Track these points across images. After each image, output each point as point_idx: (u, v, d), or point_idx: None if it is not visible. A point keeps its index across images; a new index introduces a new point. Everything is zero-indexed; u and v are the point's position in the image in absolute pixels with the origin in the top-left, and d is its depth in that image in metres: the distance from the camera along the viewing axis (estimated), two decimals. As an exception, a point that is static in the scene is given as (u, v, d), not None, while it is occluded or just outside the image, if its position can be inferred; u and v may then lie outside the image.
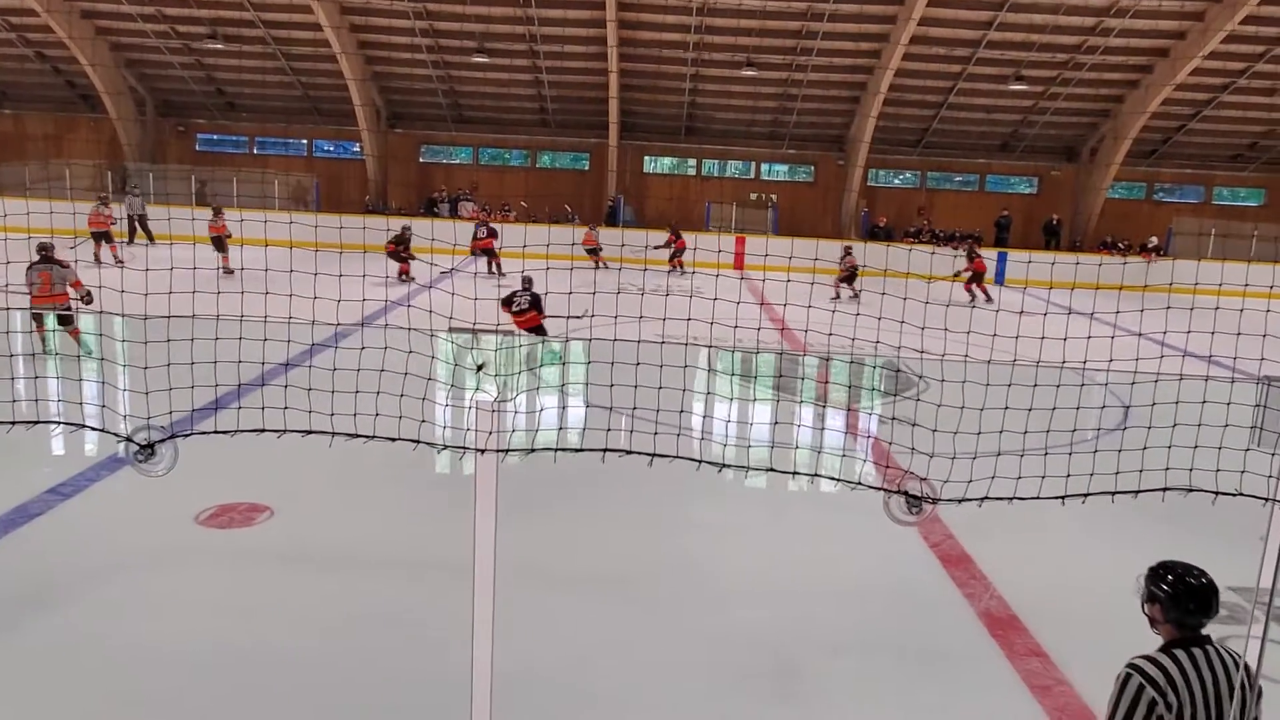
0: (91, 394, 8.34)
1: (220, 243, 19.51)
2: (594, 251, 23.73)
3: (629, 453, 3.90)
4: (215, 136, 30.65)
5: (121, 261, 19.67)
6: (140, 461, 2.98)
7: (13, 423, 4.10)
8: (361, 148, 29.37)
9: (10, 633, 5.29)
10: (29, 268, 10.69)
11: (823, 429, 10.40)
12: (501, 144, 30.80)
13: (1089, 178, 28.95)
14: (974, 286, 20.91)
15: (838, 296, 18.37)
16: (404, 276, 19.10)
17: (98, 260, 19.91)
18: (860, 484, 4.02)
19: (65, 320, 11.16)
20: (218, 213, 20.24)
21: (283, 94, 29.07)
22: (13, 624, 5.37)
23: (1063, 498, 4.04)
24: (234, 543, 6.63)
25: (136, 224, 23.64)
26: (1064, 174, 29.99)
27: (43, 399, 5.54)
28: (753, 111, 28.63)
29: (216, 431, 3.78)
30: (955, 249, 22.72)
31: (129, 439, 3.04)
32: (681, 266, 23.17)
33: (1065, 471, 4.42)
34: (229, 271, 17.95)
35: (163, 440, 2.99)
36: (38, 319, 11.21)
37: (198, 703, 4.74)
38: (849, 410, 11.22)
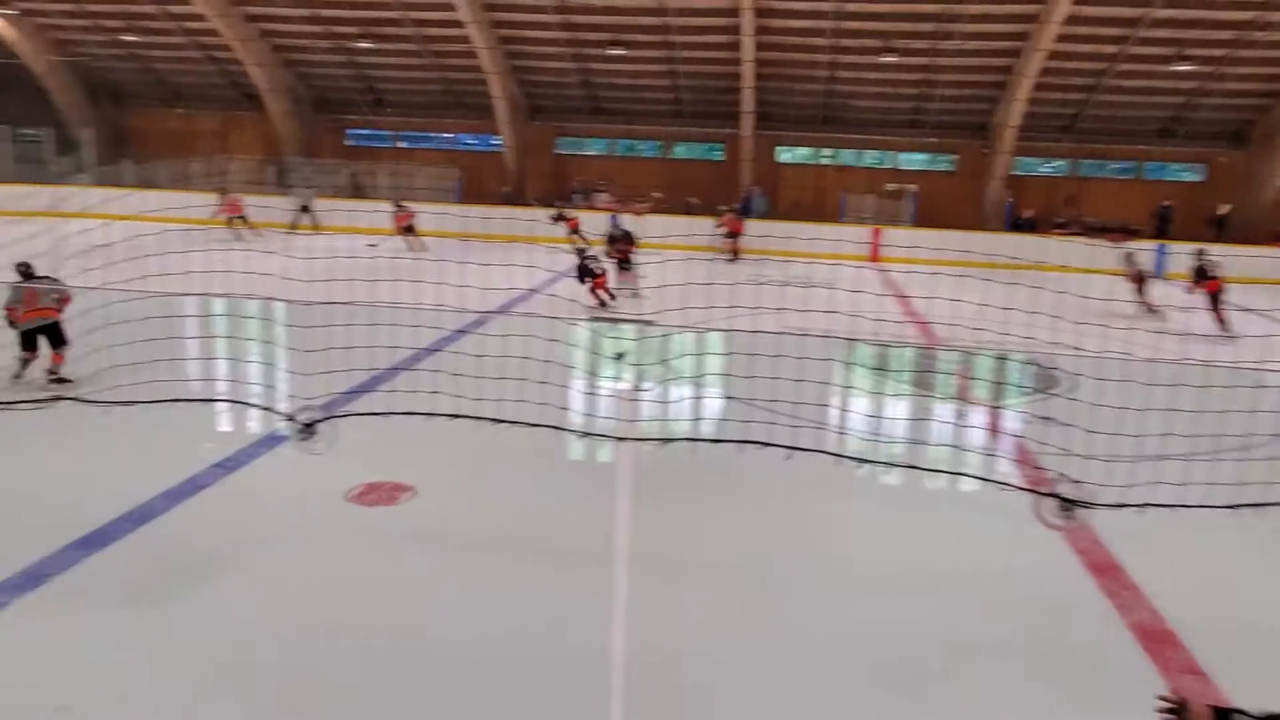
0: (258, 375, 8.88)
1: (411, 229, 22.37)
2: (733, 236, 23.36)
3: (766, 445, 3.87)
4: (364, 131, 32.06)
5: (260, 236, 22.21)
6: (302, 440, 3.15)
7: (189, 400, 4.39)
8: (501, 140, 30.14)
9: (180, 596, 5.71)
10: (14, 286, 9.81)
11: (965, 426, 10.06)
12: (635, 135, 31.02)
13: (1260, 164, 26.84)
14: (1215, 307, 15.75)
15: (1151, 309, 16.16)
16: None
17: (240, 236, 22.23)
18: (1011, 485, 3.86)
19: (57, 340, 9.59)
20: (400, 205, 22.95)
21: (427, 89, 30.16)
22: (183, 587, 5.80)
23: (1234, 507, 3.78)
24: (379, 520, 6.93)
25: (302, 214, 25.07)
26: (1232, 161, 27.89)
27: (213, 379, 5.91)
28: (891, 99, 27.85)
29: (369, 413, 3.95)
30: (1113, 242, 21.15)
31: (291, 418, 3.21)
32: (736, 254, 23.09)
33: (1235, 479, 4.13)
34: (423, 250, 20.88)
35: (322, 420, 3.15)
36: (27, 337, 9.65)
37: (340, 674, 5.00)
38: (993, 408, 10.80)
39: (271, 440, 8.20)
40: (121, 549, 6.27)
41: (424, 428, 3.95)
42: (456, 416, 3.58)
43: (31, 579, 5.75)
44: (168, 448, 7.90)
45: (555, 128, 30.89)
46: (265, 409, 3.69)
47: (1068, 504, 3.43)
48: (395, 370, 4.95)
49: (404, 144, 31.84)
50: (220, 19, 26.56)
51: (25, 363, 9.50)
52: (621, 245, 17.33)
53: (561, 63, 27.98)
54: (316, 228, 24.80)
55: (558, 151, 31.27)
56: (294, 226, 24.45)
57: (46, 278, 9.90)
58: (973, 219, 27.60)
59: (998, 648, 5.49)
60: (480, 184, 30.17)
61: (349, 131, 32.00)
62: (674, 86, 28.58)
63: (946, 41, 24.63)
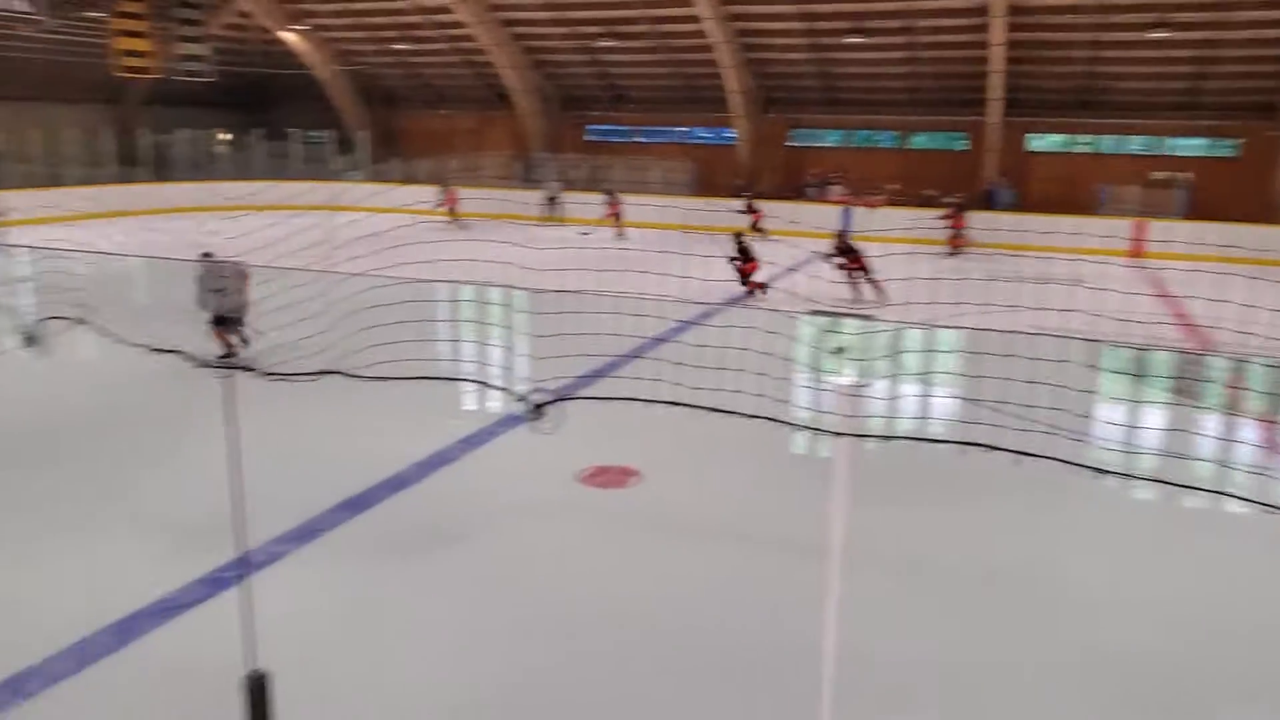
0: (497, 358, 9.52)
1: (618, 218, 24.21)
2: (956, 231, 22.29)
3: (993, 449, 3.73)
4: (604, 127, 33.27)
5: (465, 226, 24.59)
6: (532, 420, 3.35)
7: (434, 379, 4.79)
8: (735, 133, 30.31)
9: (428, 558, 6.28)
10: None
11: (1233, 441, 9.08)
12: (872, 125, 30.19)
13: None
14: None
15: None
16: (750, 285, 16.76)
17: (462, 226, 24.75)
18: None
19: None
20: (611, 194, 24.60)
21: (664, 85, 30.87)
22: (430, 551, 6.37)
23: None
24: (607, 502, 7.26)
25: (550, 205, 26.53)
26: None
27: (457, 360, 6.39)
28: (1161, 79, 25.37)
29: (594, 397, 4.14)
30: None
31: (523, 399, 3.42)
32: (764, 233, 22.65)
33: None
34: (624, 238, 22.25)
35: (551, 402, 3.34)
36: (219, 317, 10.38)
37: (562, 645, 5.30)
38: (1270, 422, 9.67)
39: (511, 420, 8.78)
40: (380, 512, 6.97)
41: (651, 415, 4.11)
42: (678, 405, 3.71)
43: (307, 533, 6.53)
44: (420, 422, 8.65)
45: (789, 119, 30.65)
46: (501, 389, 3.98)
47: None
48: (626, 358, 5.16)
49: (641, 139, 32.74)
50: (478, 25, 28.50)
51: (230, 344, 10.14)
52: (848, 259, 15.72)
53: (797, 54, 27.72)
54: (562, 219, 26.08)
55: (791, 144, 31.02)
56: (545, 218, 25.87)
57: (227, 262, 10.92)
58: (1259, 210, 24.63)
59: (1273, 695, 4.97)
60: (713, 177, 30.48)
61: (589, 128, 33.32)
62: (914, 74, 27.55)
63: (1230, 13, 22.11)
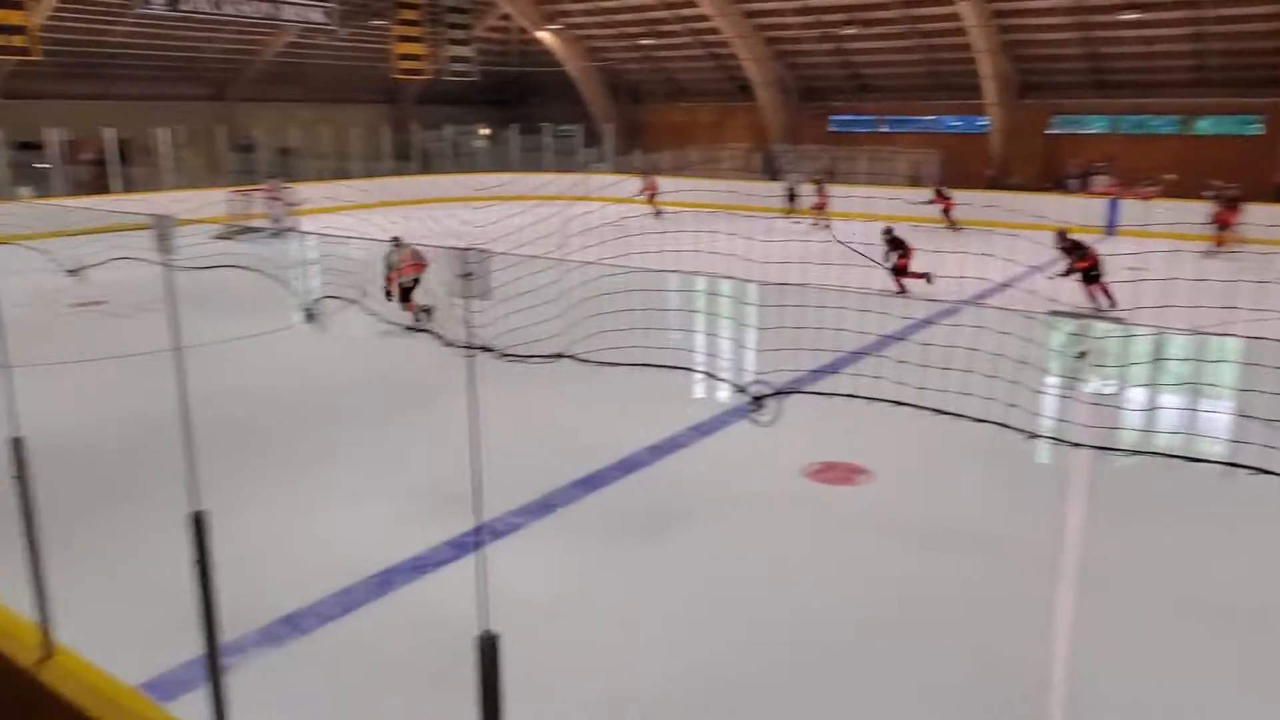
0: (722, 348, 9.59)
1: (822, 208, 23.81)
2: (1223, 227, 19.71)
3: (1262, 472, 3.31)
4: (847, 117, 32.53)
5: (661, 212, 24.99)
6: (751, 411, 3.34)
7: (658, 366, 4.91)
8: (988, 121, 28.69)
9: (656, 539, 6.45)
10: (390, 254, 12.56)
11: None
12: (1146, 109, 27.52)
13: None
14: None
15: None
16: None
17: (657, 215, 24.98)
18: None
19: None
20: (819, 184, 24.52)
21: (911, 72, 29.72)
22: (658, 532, 6.54)
23: None
24: (832, 498, 7.15)
25: (789, 198, 26.42)
26: None
27: (685, 350, 6.47)
28: None
29: (814, 392, 4.06)
30: None
31: (743, 390, 3.41)
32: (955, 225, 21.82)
33: None
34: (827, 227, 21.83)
35: (770, 395, 3.31)
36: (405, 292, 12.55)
37: (775, 635, 5.27)
38: None
39: (741, 410, 8.85)
40: (612, 492, 7.24)
41: (880, 414, 3.98)
42: (898, 404, 3.57)
43: (544, 507, 6.90)
44: (649, 408, 8.87)
45: (1050, 105, 28.57)
46: (720, 380, 3.98)
47: None
48: (855, 355, 5.02)
49: (885, 128, 31.73)
50: (722, 18, 28.73)
51: (418, 314, 12.20)
52: (1078, 257, 13.81)
53: (1062, 34, 25.75)
54: (802, 211, 25.86)
55: (1051, 131, 28.92)
56: (788, 211, 25.77)
57: (410, 246, 12.58)
58: None
59: None
60: (963, 167, 29.02)
61: (832, 118, 32.70)
62: (1200, 50, 24.82)
63: None
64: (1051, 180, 27.06)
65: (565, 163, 30.57)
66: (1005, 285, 14.61)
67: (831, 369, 8.49)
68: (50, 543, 4.12)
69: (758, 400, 2.68)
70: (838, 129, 32.56)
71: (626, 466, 7.67)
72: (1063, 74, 27.54)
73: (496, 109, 37.32)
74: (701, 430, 8.49)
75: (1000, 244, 14.22)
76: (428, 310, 11.84)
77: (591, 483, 7.35)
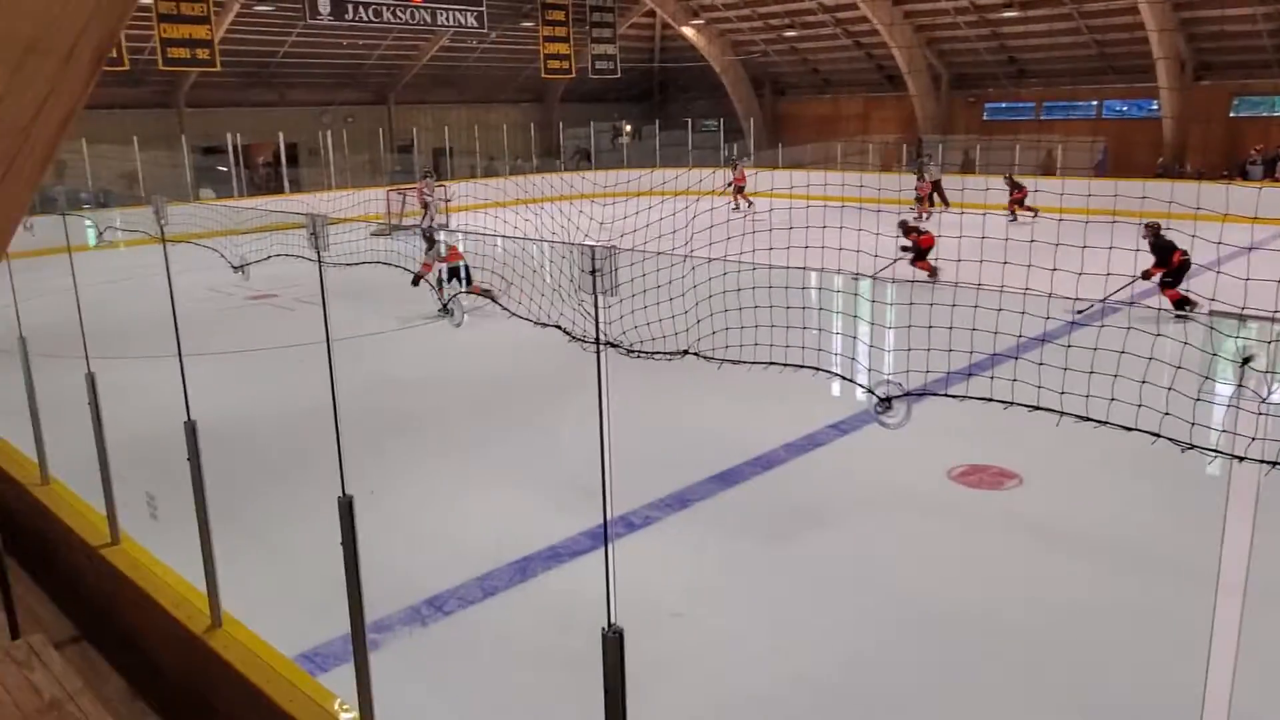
0: (852, 347, 9.34)
1: (931, 199, 23.45)
2: None
3: None
4: (1003, 105, 31.12)
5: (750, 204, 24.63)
6: (879, 413, 3.22)
7: (794, 366, 4.79)
8: (1159, 105, 26.84)
9: (791, 538, 6.37)
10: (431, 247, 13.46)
11: None
12: (1345, 88, 25.09)
13: None
14: None
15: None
16: None
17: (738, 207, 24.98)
18: None
19: (468, 278, 13.69)
20: (923, 175, 23.85)
21: (1074, 55, 28.10)
22: (793, 531, 6.45)
23: None
24: (979, 502, 6.86)
25: (934, 191, 25.56)
26: None
27: (814, 349, 6.32)
28: None
29: (948, 395, 3.86)
30: None
31: (871, 390, 3.29)
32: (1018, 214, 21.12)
33: None
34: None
35: (900, 396, 3.18)
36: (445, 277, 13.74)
37: (913, 642, 5.10)
38: None
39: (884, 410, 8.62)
40: (748, 488, 7.19)
41: (1027, 420, 3.75)
42: (1035, 408, 3.36)
43: (679, 501, 6.92)
44: (784, 406, 8.75)
45: (1235, 86, 26.41)
46: (847, 379, 3.83)
47: None
48: (996, 357, 4.72)
49: (1044, 116, 30.16)
50: (868, 5, 27.98)
51: (451, 298, 13.17)
52: (1162, 258, 12.37)
53: (1247, 8, 23.76)
54: (946, 202, 24.94)
55: (1235, 114, 26.75)
56: (927, 204, 24.94)
57: (441, 239, 13.52)
58: None
59: None
60: (1129, 155, 27.26)
61: (987, 106, 31.34)
62: None
63: None
64: (1234, 168, 25.05)
65: (707, 158, 30.53)
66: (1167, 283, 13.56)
67: (969, 371, 8.12)
68: (217, 520, 4.43)
69: (886, 401, 2.58)
70: (992, 117, 31.18)
71: (763, 463, 7.60)
72: (1247, 52, 25.41)
73: (639, 105, 37.68)
74: (840, 429, 8.31)
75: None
76: (488, 292, 12.40)
77: (727, 478, 7.32)
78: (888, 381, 2.55)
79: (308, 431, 3.98)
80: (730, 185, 26.43)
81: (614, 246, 2.03)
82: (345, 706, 3.57)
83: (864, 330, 9.88)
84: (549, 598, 5.63)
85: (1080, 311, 8.58)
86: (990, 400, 2.45)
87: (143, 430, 7.53)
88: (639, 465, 7.63)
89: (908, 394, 2.46)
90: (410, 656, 5.05)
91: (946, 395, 3.18)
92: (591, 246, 2.00)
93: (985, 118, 31.21)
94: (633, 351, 2.80)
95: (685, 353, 2.80)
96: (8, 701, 3.44)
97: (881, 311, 9.72)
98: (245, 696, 3.79)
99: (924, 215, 22.31)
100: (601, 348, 2.21)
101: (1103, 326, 4.47)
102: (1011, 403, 2.45)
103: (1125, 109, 28.73)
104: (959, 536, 6.36)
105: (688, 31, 33.89)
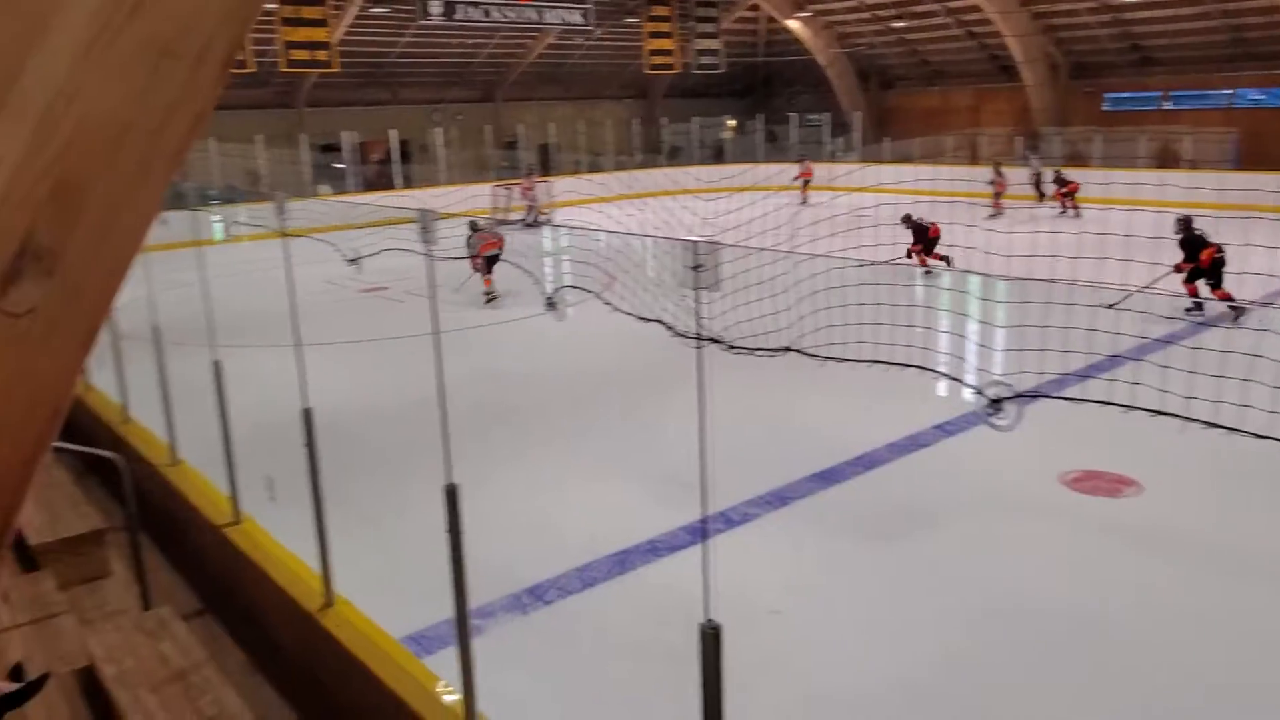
0: (959, 347, 9.06)
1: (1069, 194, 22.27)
2: None
3: None
4: (1125, 95, 29.68)
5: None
6: (989, 415, 3.12)
7: (899, 365, 4.68)
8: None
9: (892, 539, 6.24)
10: (471, 237, 14.24)
11: None
12: None
13: None
14: None
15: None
16: None
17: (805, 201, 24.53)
18: None
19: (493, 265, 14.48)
20: (1000, 172, 22.88)
21: (1204, 40, 26.59)
22: (895, 532, 6.32)
23: None
24: (1095, 509, 6.58)
25: (1036, 184, 24.63)
26: None
27: (916, 346, 6.16)
28: None
29: (1062, 397, 3.72)
30: None
31: (980, 392, 3.20)
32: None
33: None
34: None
35: (1010, 398, 3.08)
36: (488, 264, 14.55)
37: (1018, 653, 4.92)
38: None
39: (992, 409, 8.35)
40: (849, 488, 7.08)
41: (1147, 425, 3.56)
42: (1158, 413, 3.19)
43: (778, 499, 6.86)
44: (887, 405, 8.54)
45: (1383, 71, 24.59)
46: (953, 378, 3.69)
47: None
48: (1115, 359, 4.50)
49: (1170, 105, 28.64)
50: (983, -7, 27.11)
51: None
52: (1191, 254, 11.72)
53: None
54: (1042, 196, 23.92)
55: (1383, 101, 24.88)
56: (1041, 197, 24.04)
57: (485, 228, 14.41)
58: None
59: None
60: (1265, 147, 25.65)
61: (1107, 96, 29.95)
62: None
63: None
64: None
65: (811, 152, 30.10)
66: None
67: (1086, 373, 7.80)
68: (331, 504, 4.61)
69: (995, 403, 2.49)
70: (1113, 108, 29.77)
71: (865, 463, 7.47)
72: (1401, 34, 23.63)
73: (742, 100, 37.42)
74: (947, 430, 8.09)
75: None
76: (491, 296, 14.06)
77: (828, 477, 7.21)
78: (998, 383, 2.47)
79: (416, 420, 4.10)
80: (797, 178, 26.44)
81: (717, 242, 2.02)
82: (448, 689, 3.67)
83: (973, 329, 9.63)
84: (647, 591, 5.66)
85: (1112, 305, 8.18)
86: (1107, 404, 2.34)
87: (265, 416, 7.90)
88: (739, 461, 7.59)
89: (1019, 396, 2.37)
90: (511, 643, 5.15)
91: (1060, 398, 3.06)
92: (694, 241, 1.99)
93: (1105, 108, 29.83)
94: (734, 348, 2.78)
95: (787, 350, 2.77)
96: (138, 670, 3.66)
97: (991, 310, 9.43)
98: (354, 674, 3.93)
99: (998, 213, 21.58)
100: (702, 343, 2.20)
101: (1232, 328, 4.19)
102: (1131, 406, 2.35)
103: (1262, 98, 27.02)
104: (1070, 544, 6.11)
105: (793, 24, 33.46)
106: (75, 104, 1.01)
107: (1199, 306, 11.60)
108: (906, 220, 14.82)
